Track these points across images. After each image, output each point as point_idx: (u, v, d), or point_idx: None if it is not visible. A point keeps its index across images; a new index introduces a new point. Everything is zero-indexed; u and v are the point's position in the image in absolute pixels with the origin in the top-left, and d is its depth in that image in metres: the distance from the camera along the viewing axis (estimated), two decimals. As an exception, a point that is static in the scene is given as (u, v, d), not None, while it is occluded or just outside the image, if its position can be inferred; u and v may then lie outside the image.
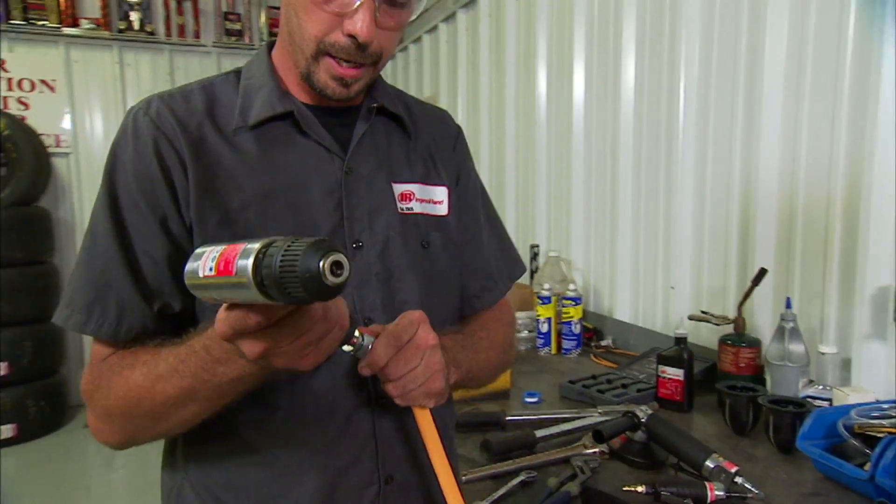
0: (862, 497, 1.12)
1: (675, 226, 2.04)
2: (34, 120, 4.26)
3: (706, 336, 1.89)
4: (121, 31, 4.41)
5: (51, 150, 4.31)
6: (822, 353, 1.45)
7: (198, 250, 0.57)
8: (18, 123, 4.06)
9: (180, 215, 0.78)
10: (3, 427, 3.79)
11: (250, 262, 0.49)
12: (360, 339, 0.69)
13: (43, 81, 4.33)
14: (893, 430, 1.15)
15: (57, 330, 3.96)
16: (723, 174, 1.86)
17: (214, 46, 4.65)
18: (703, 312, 1.77)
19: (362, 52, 0.77)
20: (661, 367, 1.61)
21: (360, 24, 0.74)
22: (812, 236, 1.60)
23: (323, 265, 0.47)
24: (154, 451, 0.91)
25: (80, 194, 4.42)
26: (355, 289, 0.83)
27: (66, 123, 4.41)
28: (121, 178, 0.78)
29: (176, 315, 0.79)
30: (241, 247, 0.50)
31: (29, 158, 4.01)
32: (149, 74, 4.53)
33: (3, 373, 3.80)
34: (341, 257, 0.48)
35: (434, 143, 0.98)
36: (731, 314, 1.68)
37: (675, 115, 2.01)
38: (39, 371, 3.99)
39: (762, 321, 1.71)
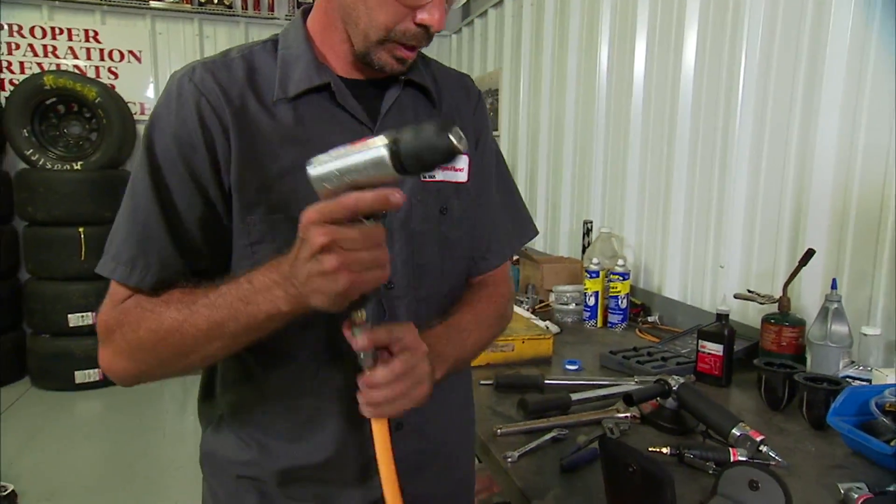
0: (887, 472, 1.15)
1: (728, 206, 2.04)
2: (121, 89, 4.55)
3: (752, 316, 1.90)
4: (201, 4, 4.63)
5: (136, 117, 4.60)
6: (865, 335, 1.46)
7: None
8: (108, 92, 4.35)
9: (219, 181, 0.82)
10: (89, 371, 4.16)
11: (386, 136, 0.64)
12: (367, 321, 0.74)
13: (130, 52, 4.61)
14: (923, 410, 1.16)
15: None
16: (778, 157, 1.85)
17: (287, 19, 4.81)
18: (749, 291, 1.78)
19: (429, 38, 0.84)
20: (702, 342, 1.64)
21: (435, 15, 0.80)
22: (865, 221, 1.59)
23: (453, 133, 0.63)
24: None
25: (161, 160, 4.71)
26: None
27: (150, 92, 4.69)
28: (161, 141, 0.81)
29: (203, 272, 0.84)
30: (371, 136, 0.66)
31: (117, 125, 4.30)
32: (225, 46, 4.72)
33: (91, 322, 4.16)
34: (459, 130, 0.63)
35: (457, 110, 1.00)
36: (778, 295, 1.69)
37: (734, 96, 2.00)
38: (123, 322, 4.33)
39: (809, 302, 1.71)
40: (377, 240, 0.67)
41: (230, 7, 4.68)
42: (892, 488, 1.07)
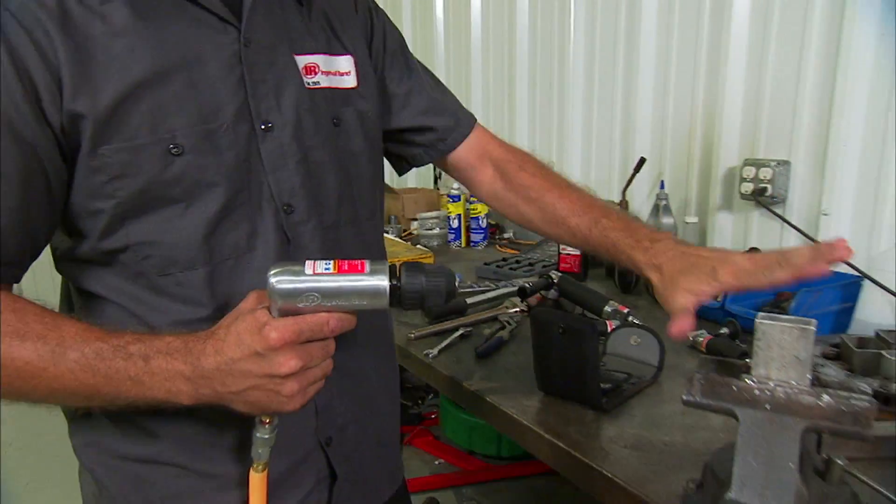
0: (716, 323, 1.48)
1: (567, 127, 2.31)
2: None
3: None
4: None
5: None
6: (687, 223, 1.81)
7: (288, 263, 0.65)
8: None
9: (43, 117, 0.66)
10: None
11: (385, 269, 0.65)
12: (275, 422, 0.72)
13: None
14: (739, 270, 1.51)
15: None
16: (607, 77, 2.14)
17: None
18: (592, 199, 2.08)
19: None
20: (562, 245, 1.91)
21: None
22: (679, 133, 1.93)
23: (457, 282, 0.69)
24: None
25: None
26: (270, 174, 0.77)
27: None
28: None
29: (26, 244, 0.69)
30: (363, 261, 0.65)
31: None
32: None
33: None
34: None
35: (330, 7, 0.89)
36: (617, 199, 2.00)
37: (567, 14, 2.24)
38: None
39: (639, 202, 2.05)
40: (330, 352, 0.67)
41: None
42: (722, 331, 1.39)
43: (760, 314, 0.67)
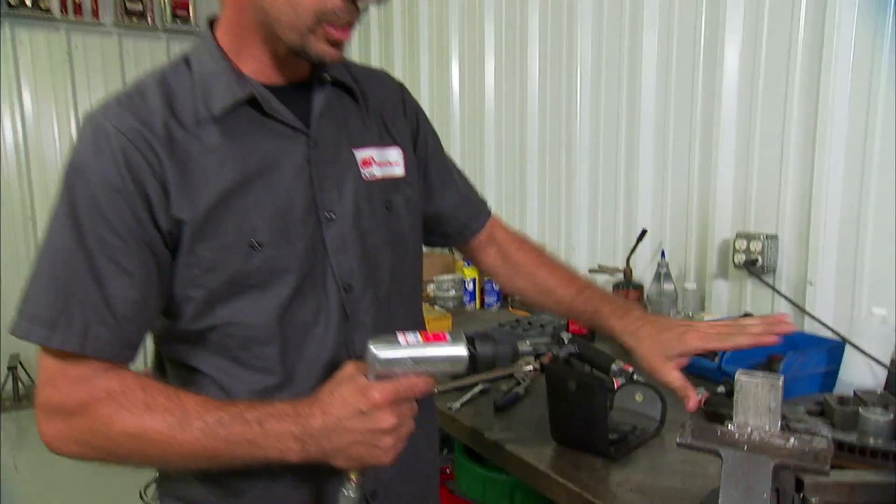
0: (713, 381, 1.62)
1: (574, 197, 2.50)
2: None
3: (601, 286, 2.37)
4: (11, 6, 4.24)
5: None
6: (686, 289, 1.97)
7: (383, 336, 0.76)
8: None
9: (154, 222, 0.79)
10: None
11: (463, 338, 0.76)
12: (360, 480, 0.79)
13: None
14: (733, 334, 1.66)
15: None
16: (611, 156, 2.34)
17: (115, 27, 4.56)
18: (599, 266, 2.24)
19: (358, 12, 0.82)
20: (571, 308, 2.06)
21: None
22: (677, 206, 2.11)
23: (522, 346, 0.82)
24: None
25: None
26: (333, 257, 0.88)
27: None
28: (82, 192, 0.76)
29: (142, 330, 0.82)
30: (444, 332, 0.77)
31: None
32: (45, 52, 4.39)
33: None
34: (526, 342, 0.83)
35: (382, 104, 1.00)
36: (621, 266, 2.17)
37: (574, 99, 2.45)
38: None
39: (642, 269, 2.21)
40: (415, 411, 0.77)
41: (47, 11, 4.33)
42: (719, 390, 1.53)
43: (740, 371, 0.82)
